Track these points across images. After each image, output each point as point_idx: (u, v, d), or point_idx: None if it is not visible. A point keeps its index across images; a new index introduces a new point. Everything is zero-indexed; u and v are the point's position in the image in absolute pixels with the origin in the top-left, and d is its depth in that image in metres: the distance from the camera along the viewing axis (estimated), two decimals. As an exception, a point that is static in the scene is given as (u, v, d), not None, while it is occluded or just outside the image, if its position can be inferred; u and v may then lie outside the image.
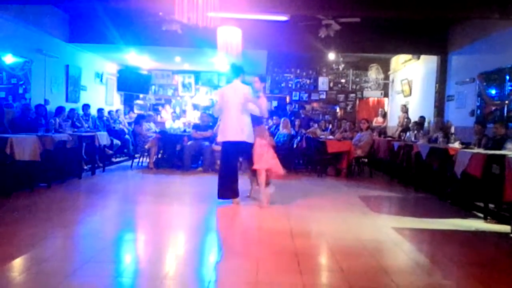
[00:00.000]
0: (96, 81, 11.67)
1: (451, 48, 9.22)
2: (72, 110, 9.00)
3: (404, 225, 4.82)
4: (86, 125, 9.16)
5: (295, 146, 9.63)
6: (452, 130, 7.64)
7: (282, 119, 10.03)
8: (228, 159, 5.61)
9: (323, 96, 13.42)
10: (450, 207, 5.91)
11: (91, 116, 9.97)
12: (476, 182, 5.26)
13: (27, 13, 7.97)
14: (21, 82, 8.21)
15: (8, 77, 7.96)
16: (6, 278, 2.94)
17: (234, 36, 7.38)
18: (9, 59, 7.76)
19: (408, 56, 11.07)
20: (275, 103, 13.51)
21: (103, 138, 8.15)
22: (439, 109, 9.45)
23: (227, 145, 5.56)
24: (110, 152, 9.42)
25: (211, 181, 6.92)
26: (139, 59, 11.85)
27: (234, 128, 5.48)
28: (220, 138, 5.72)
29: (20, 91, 8.24)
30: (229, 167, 5.60)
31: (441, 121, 8.65)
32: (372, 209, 5.63)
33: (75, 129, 8.18)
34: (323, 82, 13.39)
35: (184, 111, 14.07)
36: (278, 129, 9.98)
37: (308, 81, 13.51)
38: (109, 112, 11.29)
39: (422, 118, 9.43)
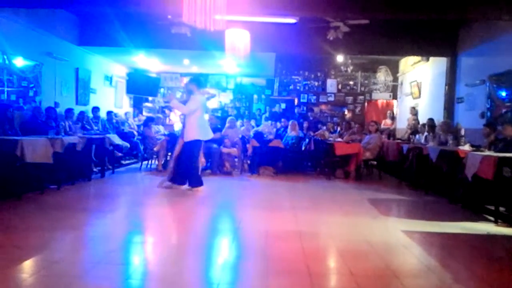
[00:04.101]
0: (106, 83, 11.76)
1: (460, 49, 9.16)
2: (81, 112, 9.06)
3: (414, 228, 4.79)
4: (96, 128, 9.22)
5: (303, 148, 9.62)
6: (462, 132, 7.57)
7: (290, 121, 10.04)
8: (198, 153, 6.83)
9: (332, 98, 13.39)
10: (460, 210, 5.85)
11: (101, 119, 10.03)
12: (487, 185, 5.21)
13: (37, 17, 8.08)
14: (32, 85, 8.30)
15: (18, 80, 8.04)
16: (17, 279, 2.96)
17: (242, 39, 7.40)
18: (20, 62, 7.85)
19: (417, 58, 11.01)
20: (283, 105, 13.53)
21: (112, 140, 8.20)
22: (449, 111, 9.38)
23: (202, 142, 6.79)
24: (120, 154, 9.47)
25: (219, 183, 6.97)
26: (148, 61, 11.92)
27: (208, 128, 6.85)
28: (203, 137, 6.71)
29: (31, 94, 8.33)
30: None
31: (447, 123, 8.56)
32: (381, 212, 5.59)
33: (85, 132, 8.24)
34: (331, 84, 13.37)
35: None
36: (286, 132, 9.98)
37: (316, 83, 13.50)
38: (115, 115, 11.31)
39: (431, 120, 9.36)
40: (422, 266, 3.54)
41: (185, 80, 7.13)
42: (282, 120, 11.21)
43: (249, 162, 9.52)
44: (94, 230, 4.56)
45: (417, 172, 7.65)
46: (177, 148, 6.75)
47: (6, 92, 7.97)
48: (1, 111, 6.58)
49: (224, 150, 8.80)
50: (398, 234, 4.45)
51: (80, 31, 9.57)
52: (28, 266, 3.22)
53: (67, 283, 2.83)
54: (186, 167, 6.66)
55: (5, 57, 7.35)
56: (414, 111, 10.91)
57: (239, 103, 14.63)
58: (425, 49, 9.72)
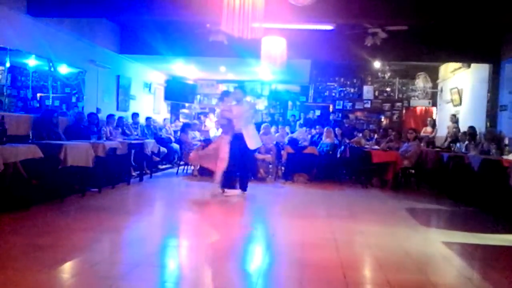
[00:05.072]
0: (145, 90, 12.06)
1: (504, 56, 8.83)
2: (120, 118, 9.28)
3: (454, 239, 4.64)
4: (135, 133, 9.44)
5: (338, 155, 9.52)
6: (506, 141, 7.30)
7: (325, 128, 9.96)
8: None
9: (368, 105, 13.20)
10: (503, 222, 5.62)
11: (140, 124, 10.29)
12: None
13: (81, 26, 8.38)
14: (74, 91, 8.62)
15: (62, 87, 8.38)
16: (60, 280, 3.07)
17: (279, 46, 7.42)
18: (64, 69, 8.16)
19: (458, 64, 10.70)
20: (317, 112, 13.45)
21: (151, 145, 8.39)
22: (491, 119, 9.06)
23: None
24: (157, 159, 9.66)
25: (253, 189, 6.99)
26: (186, 69, 12.15)
27: None
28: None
29: (73, 100, 8.65)
30: None
31: (491, 131, 8.27)
32: (420, 223, 5.46)
33: (125, 137, 8.46)
34: (368, 91, 13.19)
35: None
36: (321, 138, 9.91)
37: (352, 90, 13.35)
38: (153, 121, 11.50)
39: (472, 129, 9.05)
40: (463, 279, 3.43)
41: (229, 88, 7.18)
42: (317, 127, 11.14)
43: (283, 168, 9.51)
44: (133, 232, 4.68)
45: (458, 182, 7.42)
46: (223, 152, 6.79)
47: (51, 98, 8.33)
48: (46, 117, 6.87)
49: (259, 156, 8.82)
50: (438, 245, 4.33)
51: (121, 40, 9.87)
52: (70, 267, 3.33)
53: (108, 284, 2.91)
54: (245, 172, 7.04)
55: (50, 64, 7.68)
56: (455, 119, 10.60)
57: (274, 109, 14.66)
58: (467, 56, 9.44)
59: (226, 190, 6.80)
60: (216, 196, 6.76)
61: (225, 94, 7.20)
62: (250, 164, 7.20)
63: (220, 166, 6.73)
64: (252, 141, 6.75)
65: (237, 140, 6.71)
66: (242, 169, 7.00)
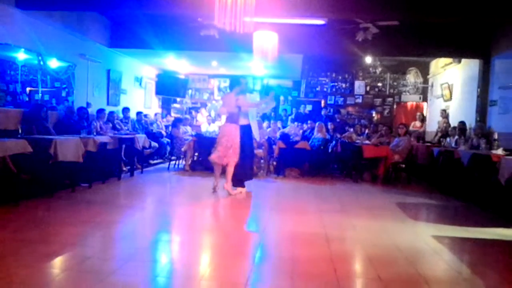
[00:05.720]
0: (136, 85, 11.98)
1: (495, 52, 8.90)
2: (111, 113, 9.23)
3: (444, 233, 4.69)
4: (126, 128, 9.38)
5: (330, 150, 9.55)
6: (495, 136, 7.36)
7: (317, 123, 9.98)
8: None
9: (359, 100, 13.25)
10: (492, 216, 5.70)
11: (131, 119, 10.22)
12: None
13: (71, 19, 8.28)
14: (64, 86, 8.54)
15: (52, 81, 8.28)
16: (51, 275, 3.05)
17: (270, 41, 7.41)
18: (54, 63, 8.07)
19: (448, 60, 10.77)
20: (309, 107, 13.47)
21: (142, 140, 8.35)
22: (481, 114, 9.14)
23: None
24: (148, 151, 9.61)
25: (246, 184, 6.98)
26: (177, 63, 12.08)
27: None
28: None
29: (63, 94, 8.57)
30: None
31: (481, 126, 8.36)
32: (410, 217, 5.50)
33: (116, 132, 8.40)
34: (359, 86, 13.23)
35: (219, 115, 14.21)
36: (313, 133, 9.93)
37: (343, 85, 13.38)
38: (145, 116, 11.44)
39: (462, 124, 9.13)
40: (453, 272, 3.47)
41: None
42: (309, 122, 11.16)
43: (275, 163, 9.52)
44: (124, 227, 4.67)
45: (448, 176, 7.49)
46: (236, 143, 6.46)
47: (40, 92, 8.24)
48: (36, 111, 6.80)
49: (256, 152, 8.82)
50: (428, 239, 4.37)
51: (112, 34, 9.76)
52: (60, 261, 3.32)
53: (99, 279, 2.90)
54: (249, 167, 6.88)
55: (40, 58, 7.59)
56: (445, 114, 10.68)
57: (266, 104, 14.61)
58: (457, 51, 9.49)
59: (236, 188, 6.61)
60: (209, 191, 6.74)
61: (236, 83, 6.95)
62: (252, 160, 7.02)
63: (232, 160, 6.42)
64: (256, 133, 6.81)
65: (243, 132, 6.58)
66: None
